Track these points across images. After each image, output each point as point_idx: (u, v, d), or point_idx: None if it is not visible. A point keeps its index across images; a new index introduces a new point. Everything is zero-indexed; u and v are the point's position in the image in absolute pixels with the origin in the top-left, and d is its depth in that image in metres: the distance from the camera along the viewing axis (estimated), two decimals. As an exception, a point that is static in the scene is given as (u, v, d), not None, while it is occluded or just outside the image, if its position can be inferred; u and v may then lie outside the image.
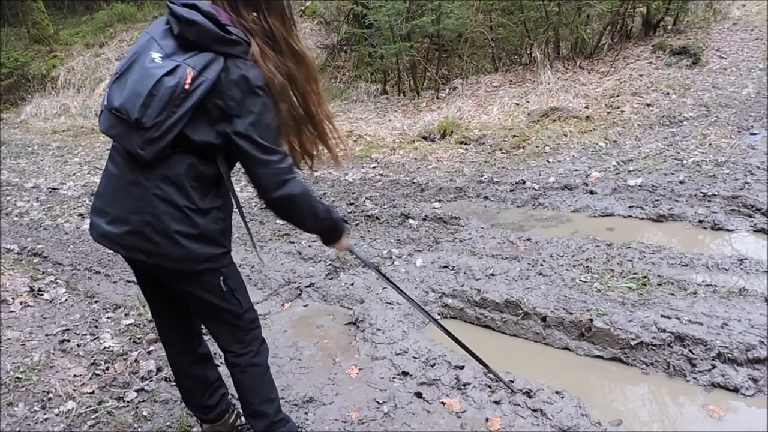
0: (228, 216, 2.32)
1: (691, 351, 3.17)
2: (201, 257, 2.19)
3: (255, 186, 2.16)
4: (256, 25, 2.11)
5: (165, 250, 2.12)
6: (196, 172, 2.11)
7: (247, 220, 6.18)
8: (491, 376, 3.18)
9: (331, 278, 4.64)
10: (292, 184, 2.16)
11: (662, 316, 3.42)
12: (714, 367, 3.08)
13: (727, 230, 4.62)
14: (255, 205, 6.55)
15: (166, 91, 1.93)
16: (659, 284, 3.83)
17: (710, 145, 6.49)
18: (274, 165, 2.10)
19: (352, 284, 4.46)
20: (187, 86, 1.94)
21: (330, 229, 2.44)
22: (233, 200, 2.33)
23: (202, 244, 2.17)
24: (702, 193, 5.23)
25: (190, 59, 1.98)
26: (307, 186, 2.26)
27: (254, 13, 2.11)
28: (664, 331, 3.28)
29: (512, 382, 3.17)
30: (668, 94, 8.41)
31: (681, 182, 5.57)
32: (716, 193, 5.15)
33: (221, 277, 2.30)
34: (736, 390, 2.97)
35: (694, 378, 3.09)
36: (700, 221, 4.79)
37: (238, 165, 2.23)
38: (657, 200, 5.29)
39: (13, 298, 4.53)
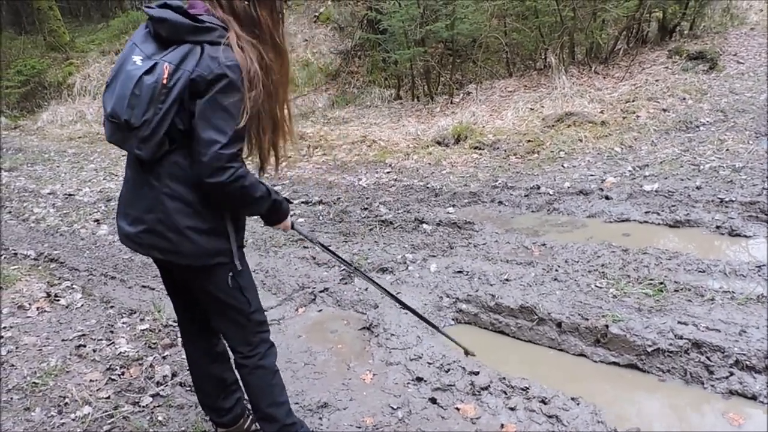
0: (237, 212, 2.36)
1: (708, 358, 3.14)
2: (212, 251, 2.24)
3: (194, 164, 2.09)
4: (245, 12, 2.14)
5: (178, 246, 2.18)
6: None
7: (262, 225, 6.19)
8: (507, 381, 3.17)
9: (345, 283, 4.64)
10: (230, 172, 2.07)
11: (679, 322, 3.38)
12: (732, 374, 3.05)
13: (745, 236, 4.58)
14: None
15: (147, 89, 1.99)
16: (676, 290, 3.79)
17: (727, 150, 6.43)
18: (218, 148, 2.03)
19: (366, 289, 4.45)
20: (165, 81, 2.00)
21: (273, 210, 2.41)
22: None
23: (212, 238, 2.23)
24: (719, 198, 5.18)
25: (167, 55, 2.04)
26: (250, 178, 2.18)
27: (246, 1, 2.14)
28: (681, 337, 3.25)
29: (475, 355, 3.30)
30: (685, 99, 8.35)
31: (698, 188, 5.53)
32: (734, 199, 5.11)
33: (230, 273, 2.33)
34: (754, 398, 2.93)
35: (712, 385, 3.06)
36: (718, 227, 4.75)
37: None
38: (673, 206, 5.25)
39: (29, 304, 4.56)
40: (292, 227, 2.67)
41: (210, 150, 2.03)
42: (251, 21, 2.15)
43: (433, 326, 3.37)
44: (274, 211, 2.43)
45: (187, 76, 2.02)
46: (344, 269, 4.86)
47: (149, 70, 2.00)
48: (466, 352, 3.31)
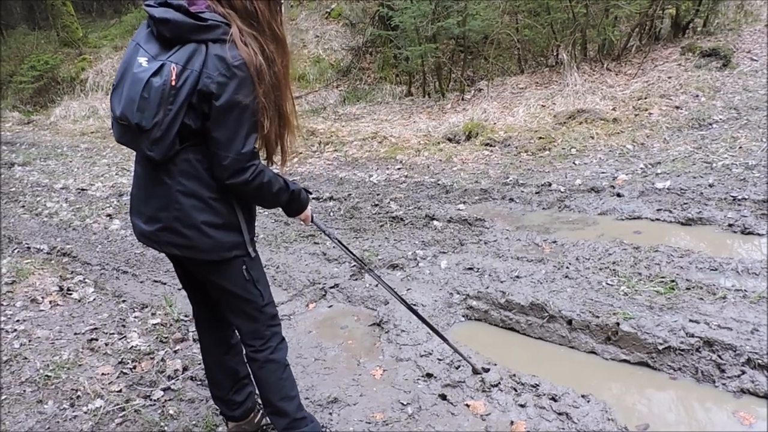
0: (249, 205, 2.40)
1: (720, 356, 3.12)
2: (228, 245, 2.28)
3: (214, 166, 2.15)
4: (241, 6, 2.13)
5: (195, 242, 2.21)
6: (211, 162, 2.17)
7: (273, 221, 6.24)
8: (517, 378, 3.17)
9: (356, 279, 4.65)
10: (251, 170, 2.16)
11: (690, 320, 3.37)
12: (743, 372, 3.03)
13: (758, 234, 4.54)
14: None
15: (156, 91, 1.99)
16: (687, 288, 3.77)
17: (740, 148, 6.39)
18: (238, 149, 2.10)
19: (377, 285, 4.45)
20: (173, 82, 2.00)
21: (292, 202, 2.48)
22: None
23: (228, 233, 2.27)
24: (732, 196, 5.15)
25: (173, 56, 2.03)
26: (268, 173, 2.26)
27: None
28: (692, 335, 3.24)
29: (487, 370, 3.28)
30: (697, 96, 8.29)
31: (710, 185, 5.49)
32: (746, 197, 5.07)
33: (244, 267, 2.37)
34: (766, 396, 2.91)
35: (723, 384, 3.04)
36: (730, 225, 4.72)
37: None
38: (686, 203, 5.22)
39: (42, 297, 4.60)
40: (312, 220, 2.72)
41: (230, 153, 2.10)
42: (249, 14, 2.14)
43: (448, 342, 3.34)
44: (293, 203, 2.49)
45: (195, 76, 2.02)
46: (355, 265, 4.87)
47: (156, 72, 1.99)
48: (475, 371, 3.28)
